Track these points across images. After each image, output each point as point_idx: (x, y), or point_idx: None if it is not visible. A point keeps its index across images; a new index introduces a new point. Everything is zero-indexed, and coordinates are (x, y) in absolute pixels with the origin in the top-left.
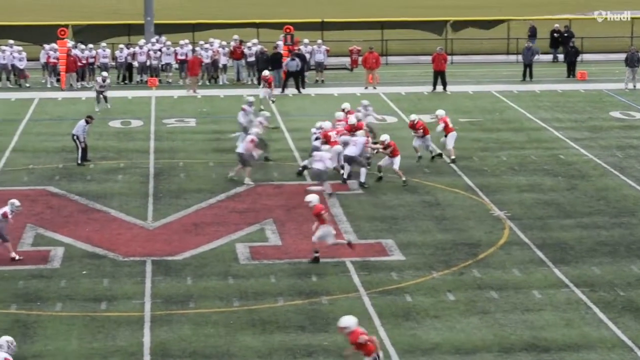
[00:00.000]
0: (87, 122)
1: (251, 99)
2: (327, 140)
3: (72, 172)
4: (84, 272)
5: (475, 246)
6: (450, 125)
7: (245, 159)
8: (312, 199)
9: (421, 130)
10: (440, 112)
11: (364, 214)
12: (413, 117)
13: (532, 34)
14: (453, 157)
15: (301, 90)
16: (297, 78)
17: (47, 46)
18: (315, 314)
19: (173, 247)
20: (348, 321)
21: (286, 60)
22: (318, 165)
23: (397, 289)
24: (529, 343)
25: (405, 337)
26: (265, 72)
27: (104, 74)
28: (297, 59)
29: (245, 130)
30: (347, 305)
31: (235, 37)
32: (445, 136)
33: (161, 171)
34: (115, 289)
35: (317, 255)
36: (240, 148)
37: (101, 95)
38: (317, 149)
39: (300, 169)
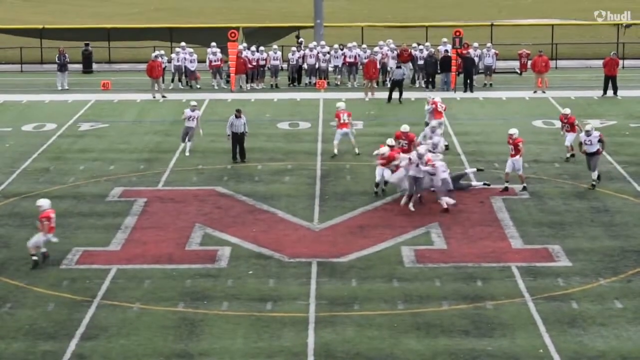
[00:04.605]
0: (237, 117)
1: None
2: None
3: (240, 172)
4: (250, 272)
5: None
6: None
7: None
8: (43, 203)
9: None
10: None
11: (530, 219)
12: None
13: None
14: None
15: (401, 99)
16: (402, 87)
17: (209, 50)
18: (479, 319)
19: (338, 249)
20: (43, 202)
21: (392, 68)
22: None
23: (563, 295)
24: None
25: (571, 344)
26: (340, 105)
27: (193, 102)
28: (403, 67)
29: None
30: (513, 311)
31: (389, 40)
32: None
33: (328, 173)
34: (281, 290)
35: (35, 259)
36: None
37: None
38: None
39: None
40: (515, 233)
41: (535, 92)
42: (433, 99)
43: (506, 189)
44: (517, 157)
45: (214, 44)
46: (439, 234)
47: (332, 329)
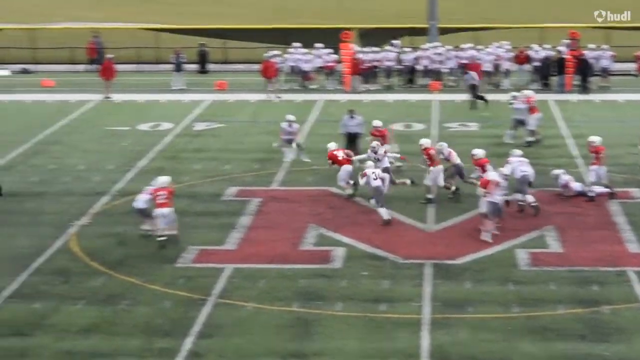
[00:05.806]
0: (350, 117)
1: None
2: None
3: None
4: (365, 272)
5: None
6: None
7: None
8: (160, 179)
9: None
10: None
11: None
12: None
13: None
14: None
15: (487, 101)
16: (476, 90)
17: (315, 52)
18: (596, 324)
19: (453, 251)
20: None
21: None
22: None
23: None
24: None
25: None
26: (377, 123)
27: (290, 117)
28: (471, 72)
29: None
30: (630, 316)
31: (503, 42)
32: None
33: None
34: (395, 291)
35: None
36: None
37: (293, 144)
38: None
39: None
40: (632, 237)
41: None
42: (527, 97)
43: (612, 194)
44: (599, 165)
45: (320, 45)
46: (554, 237)
47: (446, 331)
